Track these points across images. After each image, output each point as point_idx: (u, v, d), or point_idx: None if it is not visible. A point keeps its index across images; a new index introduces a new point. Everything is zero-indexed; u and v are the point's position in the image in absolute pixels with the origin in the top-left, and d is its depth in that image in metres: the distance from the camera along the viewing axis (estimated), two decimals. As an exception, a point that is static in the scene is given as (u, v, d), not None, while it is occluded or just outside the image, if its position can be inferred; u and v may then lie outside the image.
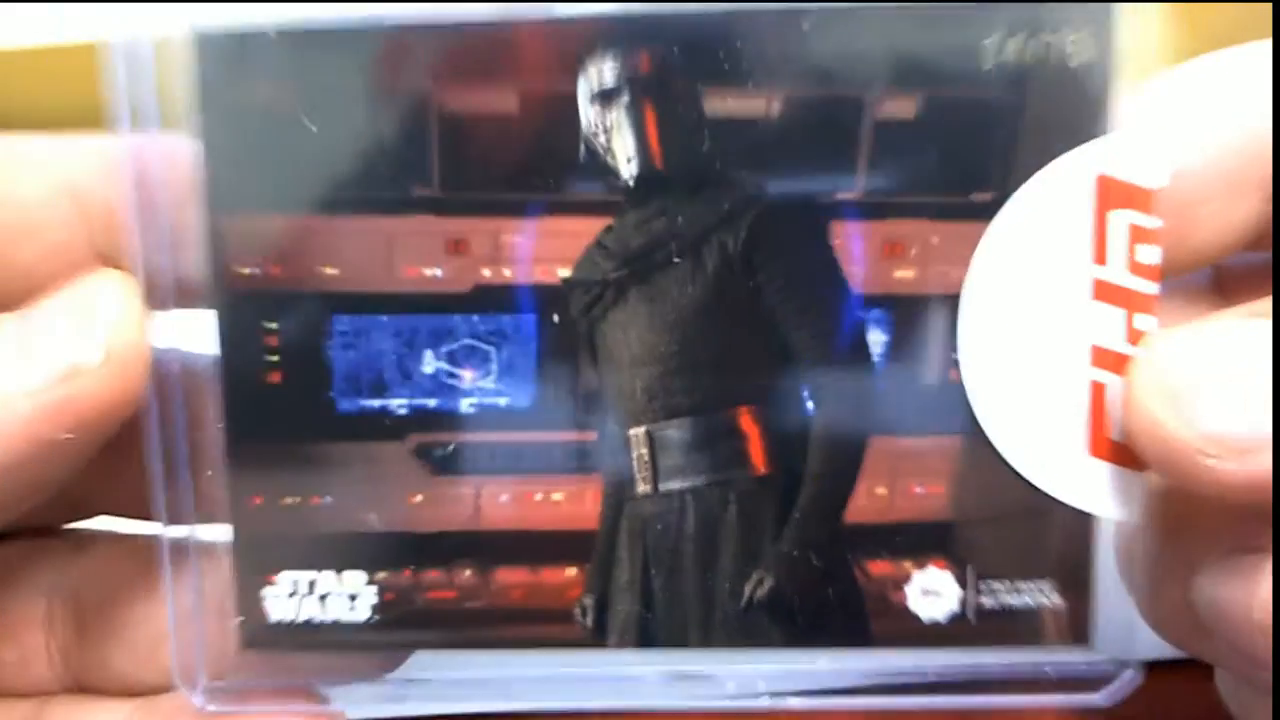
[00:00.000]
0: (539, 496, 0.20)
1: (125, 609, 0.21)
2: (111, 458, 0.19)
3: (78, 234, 0.19)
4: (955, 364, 0.19)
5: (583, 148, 0.19)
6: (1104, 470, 0.18)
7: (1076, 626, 0.19)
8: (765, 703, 0.20)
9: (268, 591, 0.20)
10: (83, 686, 0.22)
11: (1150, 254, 0.18)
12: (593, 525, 0.20)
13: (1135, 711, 0.22)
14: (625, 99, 0.18)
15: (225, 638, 0.20)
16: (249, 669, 0.20)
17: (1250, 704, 0.19)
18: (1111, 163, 0.18)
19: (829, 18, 0.18)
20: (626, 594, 0.20)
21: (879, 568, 0.19)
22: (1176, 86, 0.18)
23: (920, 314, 0.19)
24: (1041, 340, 0.18)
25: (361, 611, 0.20)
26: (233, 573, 0.20)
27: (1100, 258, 0.18)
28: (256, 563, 0.20)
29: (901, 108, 0.18)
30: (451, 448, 0.20)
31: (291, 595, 0.20)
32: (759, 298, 0.19)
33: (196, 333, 0.19)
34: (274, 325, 0.19)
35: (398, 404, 0.19)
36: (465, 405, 0.19)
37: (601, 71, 0.18)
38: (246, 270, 0.19)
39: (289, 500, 0.20)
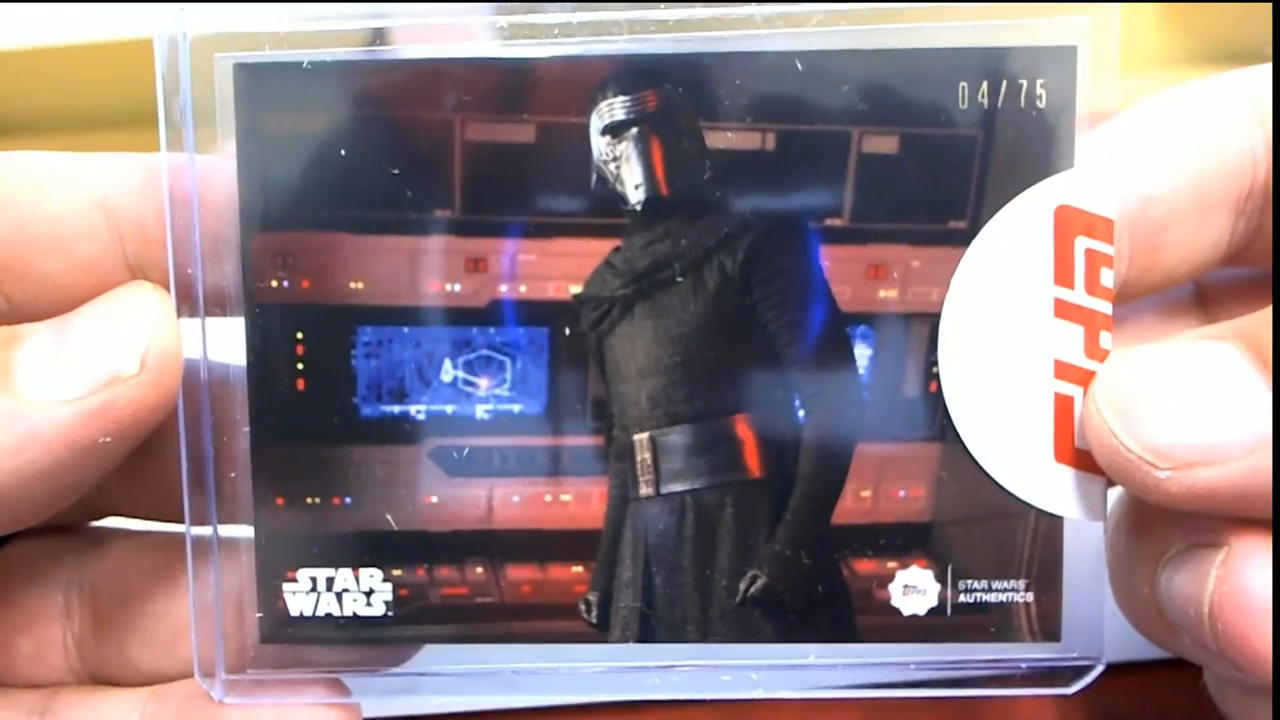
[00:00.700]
0: (548, 498, 0.21)
1: (145, 603, 0.22)
2: (132, 461, 0.20)
3: (109, 248, 0.20)
4: (935, 376, 0.20)
5: (594, 175, 0.20)
6: (1069, 475, 0.20)
7: (1047, 623, 0.21)
8: (758, 693, 0.21)
9: (288, 587, 0.21)
10: (97, 679, 0.22)
11: (1106, 277, 0.20)
12: (598, 525, 0.21)
13: (1131, 710, 0.23)
14: (634, 132, 0.20)
15: (245, 631, 0.21)
16: (267, 661, 0.21)
17: (1238, 701, 0.20)
18: (1073, 194, 0.20)
19: (820, 61, 0.19)
20: (629, 590, 0.21)
21: (864, 566, 0.21)
22: (1139, 120, 0.20)
23: (901, 330, 0.20)
24: (1011, 355, 0.20)
25: (377, 607, 0.21)
26: (254, 569, 0.21)
27: (1061, 280, 0.20)
28: (278, 560, 0.21)
29: (885, 143, 0.20)
30: (467, 451, 0.21)
31: (311, 591, 0.21)
32: (754, 314, 0.20)
33: (226, 341, 0.20)
34: (301, 335, 0.20)
35: (417, 410, 0.21)
36: (481, 412, 0.21)
37: (612, 107, 0.20)
38: (276, 284, 0.20)
39: (311, 500, 0.21)
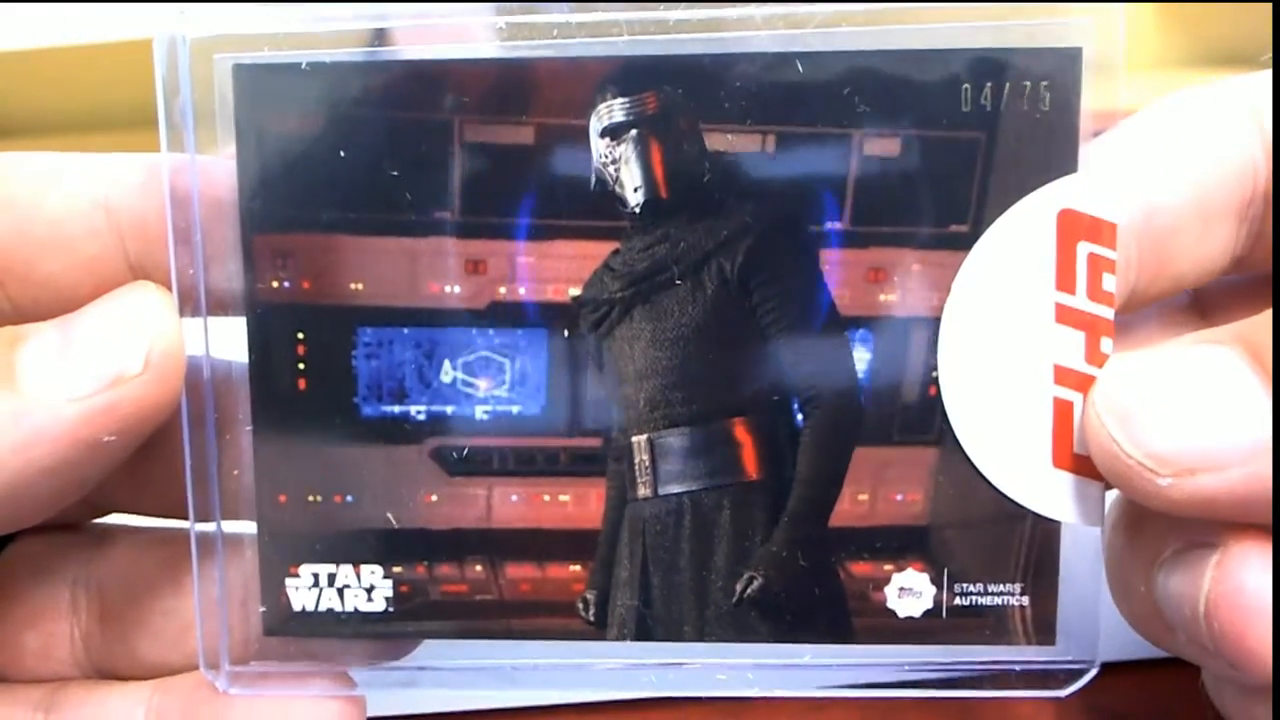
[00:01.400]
0: (547, 498, 0.21)
1: (151, 599, 0.22)
2: (137, 458, 0.20)
3: (111, 248, 0.20)
4: (934, 380, 0.20)
5: (593, 178, 0.20)
6: (1067, 480, 0.20)
7: (1042, 626, 0.21)
8: (754, 692, 0.21)
9: (290, 583, 0.21)
10: (103, 674, 0.22)
11: (1109, 282, 0.19)
12: (596, 525, 0.21)
13: (1129, 709, 0.24)
14: (633, 134, 0.20)
15: (248, 625, 0.21)
16: (270, 654, 0.21)
17: (1235, 701, 0.20)
18: (1076, 198, 0.19)
19: (820, 62, 0.19)
20: (626, 590, 0.21)
21: (861, 568, 0.21)
22: (1141, 127, 0.20)
23: (901, 334, 0.20)
24: (1011, 360, 0.20)
25: (378, 602, 0.21)
26: (257, 565, 0.21)
27: (1063, 285, 0.19)
28: (280, 556, 0.21)
29: (886, 145, 0.20)
30: (466, 451, 0.21)
31: (313, 587, 0.21)
32: (753, 317, 0.20)
33: (229, 340, 0.21)
34: (302, 335, 0.21)
35: (417, 410, 0.21)
36: (480, 412, 0.21)
37: (611, 109, 0.20)
38: (277, 284, 0.20)
39: (313, 498, 0.21)
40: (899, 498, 0.21)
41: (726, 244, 0.20)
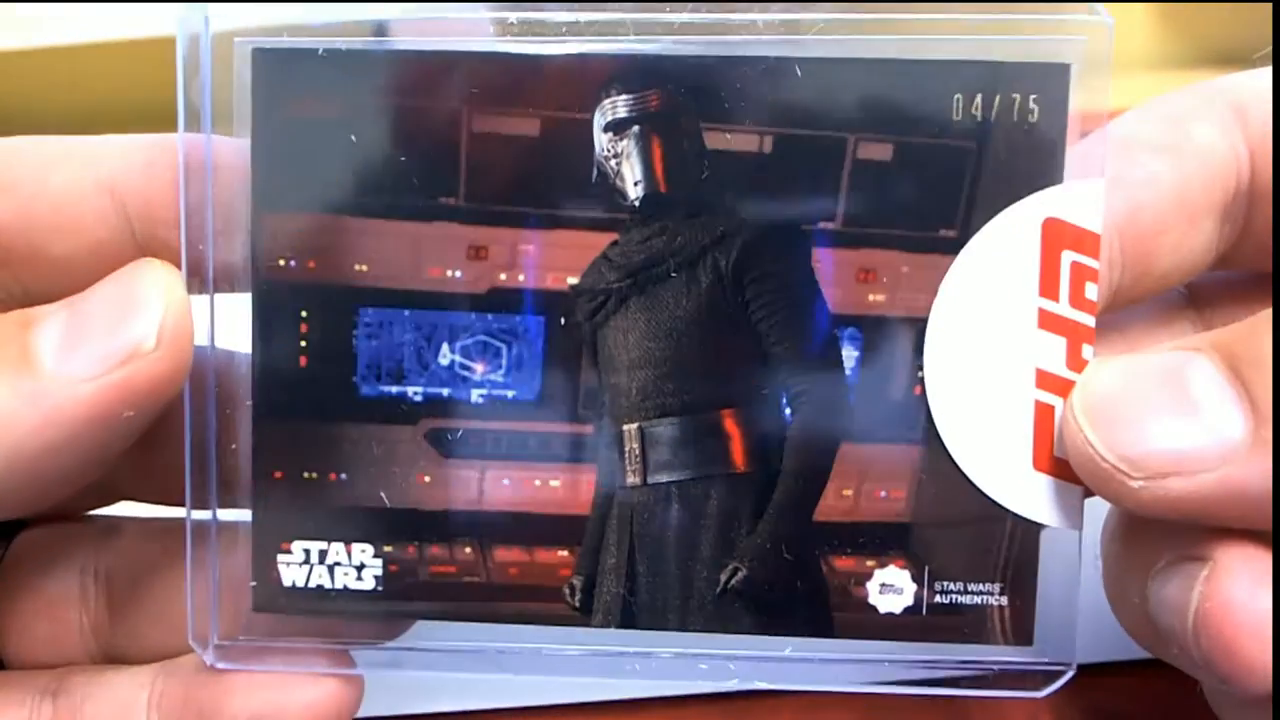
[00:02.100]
0: (538, 482, 0.21)
1: (157, 586, 0.22)
2: (139, 444, 0.20)
3: (117, 230, 0.20)
4: (920, 380, 0.21)
5: (595, 170, 0.21)
6: (1047, 483, 0.20)
7: (1020, 627, 0.21)
8: (733, 683, 0.21)
9: (282, 558, 0.21)
10: (111, 660, 0.23)
11: (1091, 290, 0.20)
12: (585, 511, 0.21)
13: (1125, 709, 0.24)
14: (635, 130, 0.20)
15: (239, 601, 0.21)
16: (260, 630, 0.21)
17: (1234, 711, 0.20)
18: (1061, 208, 0.20)
19: (819, 68, 0.20)
20: (612, 576, 0.21)
21: (843, 563, 0.21)
22: (1124, 128, 0.21)
23: (889, 334, 0.21)
24: (995, 363, 0.20)
25: (368, 581, 0.21)
26: (250, 540, 0.21)
27: (1046, 292, 0.20)
28: (273, 532, 0.21)
29: (879, 150, 0.20)
30: (460, 433, 0.21)
31: (304, 563, 0.21)
32: (746, 312, 0.21)
33: (232, 317, 0.21)
34: (305, 314, 0.21)
35: (414, 391, 0.21)
36: (475, 396, 0.21)
37: (615, 105, 0.20)
38: (283, 263, 0.21)
39: (308, 475, 0.21)
40: (883, 494, 0.21)
41: (722, 240, 0.21)
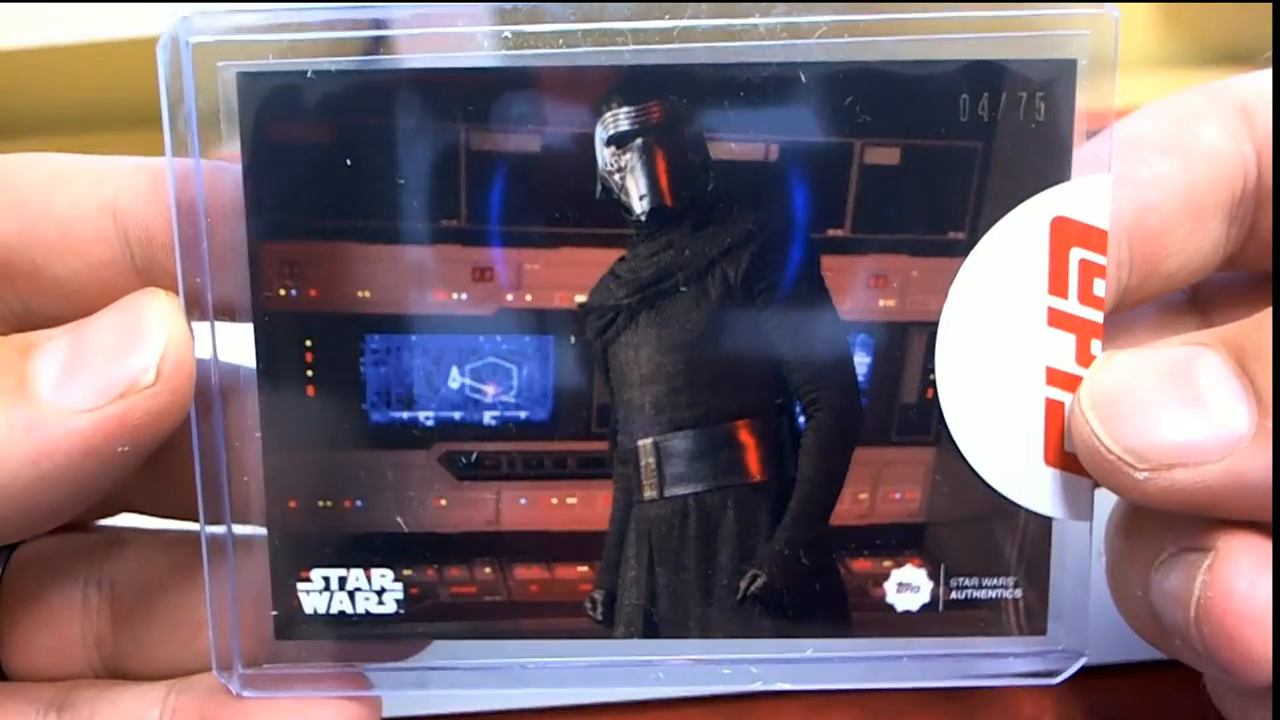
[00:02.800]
0: (555, 500, 0.21)
1: (163, 599, 0.22)
2: (151, 463, 0.20)
3: (118, 253, 0.20)
4: (931, 383, 0.21)
5: (599, 186, 0.20)
6: (1058, 477, 0.21)
7: (1034, 618, 0.21)
8: (757, 685, 0.22)
9: (301, 586, 0.21)
10: (115, 674, 0.23)
11: (1099, 287, 0.20)
12: (603, 527, 0.21)
13: (1130, 709, 0.24)
14: (638, 143, 0.20)
15: (260, 628, 0.21)
16: (282, 656, 0.21)
17: (1236, 703, 0.21)
18: (1069, 206, 0.20)
19: (823, 73, 0.20)
20: (633, 589, 0.21)
21: (860, 565, 0.21)
22: (1132, 129, 0.20)
23: (900, 338, 0.21)
24: (1006, 363, 0.20)
25: (389, 605, 0.21)
26: (269, 569, 0.21)
27: (1055, 290, 0.20)
28: (291, 560, 0.21)
29: (886, 155, 0.20)
30: (475, 456, 0.21)
31: (324, 590, 0.21)
32: (756, 323, 0.21)
33: (237, 347, 0.21)
34: (310, 343, 0.21)
35: (425, 416, 0.21)
36: (488, 417, 0.21)
37: (617, 118, 0.20)
38: (284, 292, 0.21)
39: (323, 503, 0.21)
40: (897, 496, 0.21)
41: (730, 251, 0.20)
